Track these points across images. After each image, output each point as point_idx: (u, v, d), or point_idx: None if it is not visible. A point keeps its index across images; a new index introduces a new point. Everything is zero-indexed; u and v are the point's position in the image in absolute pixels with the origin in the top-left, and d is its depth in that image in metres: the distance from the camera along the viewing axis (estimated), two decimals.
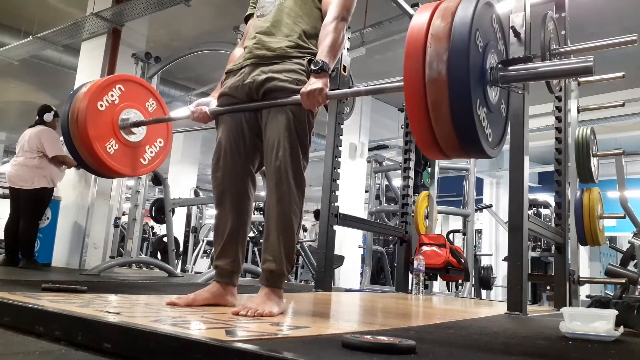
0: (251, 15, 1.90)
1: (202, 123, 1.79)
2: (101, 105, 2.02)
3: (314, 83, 1.54)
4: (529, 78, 1.30)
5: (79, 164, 2.17)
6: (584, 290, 6.28)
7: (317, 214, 2.97)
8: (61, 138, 5.08)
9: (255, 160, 1.75)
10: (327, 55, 1.58)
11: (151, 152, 2.22)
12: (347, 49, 3.20)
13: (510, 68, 1.25)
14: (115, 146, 2.06)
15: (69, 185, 4.96)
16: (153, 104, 2.20)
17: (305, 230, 8.39)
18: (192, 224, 8.20)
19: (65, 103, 2.12)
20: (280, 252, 1.57)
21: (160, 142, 2.25)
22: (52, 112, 4.28)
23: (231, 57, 1.89)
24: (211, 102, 1.76)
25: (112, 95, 2.05)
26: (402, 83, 1.22)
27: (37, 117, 4.30)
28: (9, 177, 4.17)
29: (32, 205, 4.05)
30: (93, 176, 5.23)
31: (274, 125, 1.62)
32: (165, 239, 6.33)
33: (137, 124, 2.10)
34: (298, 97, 1.57)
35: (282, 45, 1.69)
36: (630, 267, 3.76)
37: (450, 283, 5.46)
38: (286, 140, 1.59)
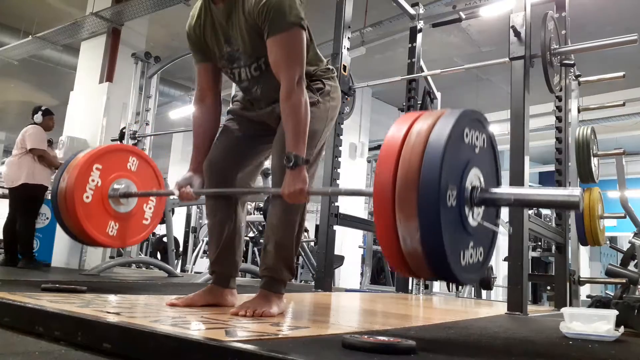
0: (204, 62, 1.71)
1: (192, 201, 1.77)
2: (87, 197, 1.96)
3: (293, 183, 1.44)
4: (508, 204, 1.18)
5: (72, 238, 2.11)
6: (585, 291, 6.29)
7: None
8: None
9: (252, 166, 1.74)
10: (296, 145, 1.45)
11: (150, 207, 2.17)
12: (347, 48, 3.20)
13: (493, 190, 1.14)
14: (115, 226, 2.03)
15: None
16: (134, 161, 2.12)
17: (305, 230, 8.39)
18: (192, 224, 8.20)
19: (54, 181, 2.07)
20: (278, 262, 1.57)
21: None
22: (40, 112, 4.25)
23: (197, 119, 1.73)
24: (193, 180, 1.68)
25: (92, 180, 1.98)
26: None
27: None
28: (3, 177, 4.22)
29: (21, 203, 4.03)
30: None
31: (279, 138, 1.59)
32: (165, 239, 6.32)
33: (126, 196, 2.04)
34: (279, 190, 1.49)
35: None
36: (631, 267, 3.76)
37: (451, 283, 5.45)
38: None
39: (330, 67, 1.75)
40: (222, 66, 1.68)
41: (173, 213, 6.04)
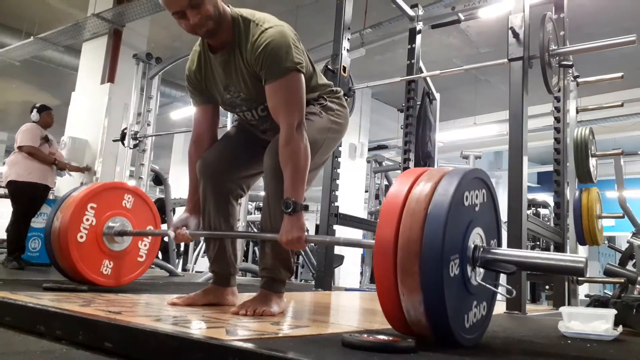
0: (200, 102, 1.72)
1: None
2: (81, 237, 1.92)
3: (291, 231, 1.43)
4: (511, 272, 1.14)
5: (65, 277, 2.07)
6: (583, 290, 6.29)
7: None
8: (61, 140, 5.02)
9: (251, 170, 1.73)
10: (295, 190, 1.44)
11: (145, 245, 2.13)
12: (347, 49, 3.21)
13: (493, 251, 1.13)
14: (110, 264, 2.00)
15: (69, 185, 4.97)
16: (129, 198, 2.08)
17: (306, 231, 8.38)
18: None
19: (47, 220, 2.04)
20: (275, 263, 1.58)
21: (150, 229, 2.15)
22: (35, 109, 4.14)
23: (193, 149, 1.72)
24: (189, 221, 1.68)
25: (87, 220, 1.94)
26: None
27: None
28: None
29: (13, 202, 3.95)
30: (94, 177, 5.24)
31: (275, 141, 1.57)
32: (165, 239, 6.33)
33: (121, 234, 2.01)
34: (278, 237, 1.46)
35: None
36: (629, 266, 3.77)
37: None
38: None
39: (337, 89, 1.74)
40: (226, 109, 1.69)
41: (174, 213, 6.06)
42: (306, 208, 1.48)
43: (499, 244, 1.25)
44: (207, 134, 1.72)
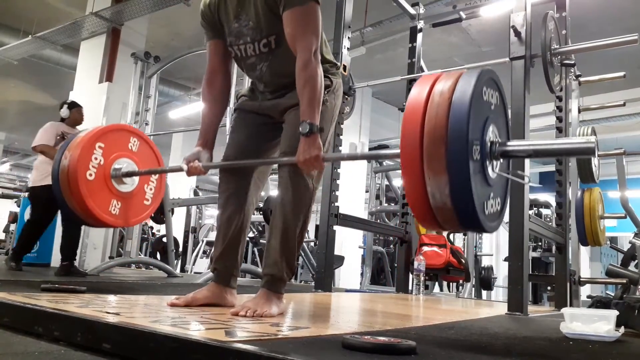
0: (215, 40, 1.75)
1: (201, 175, 1.78)
2: (90, 175, 1.95)
3: (308, 150, 1.47)
4: (528, 155, 1.28)
5: (74, 217, 2.07)
6: (585, 291, 6.29)
7: None
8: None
9: (260, 168, 1.76)
10: (311, 113, 1.49)
11: (150, 188, 2.16)
12: (348, 48, 3.20)
13: (509, 144, 1.24)
14: (118, 205, 2.02)
15: None
16: (135, 141, 2.12)
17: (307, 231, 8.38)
18: (192, 224, 8.19)
19: (53, 177, 2.03)
20: (281, 258, 1.57)
21: (160, 168, 2.20)
22: (66, 105, 3.94)
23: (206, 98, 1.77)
24: (201, 154, 1.70)
25: (95, 159, 1.98)
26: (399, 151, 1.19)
27: None
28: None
29: (30, 207, 3.89)
30: None
31: (286, 135, 1.63)
32: (164, 239, 6.32)
33: (129, 174, 2.04)
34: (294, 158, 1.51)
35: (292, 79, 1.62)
36: (631, 267, 3.76)
37: (451, 283, 5.45)
38: (293, 150, 1.56)
39: (335, 61, 1.78)
40: (230, 43, 1.70)
41: (173, 213, 6.05)
42: (321, 130, 1.53)
43: None
44: (220, 69, 1.75)
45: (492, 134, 1.21)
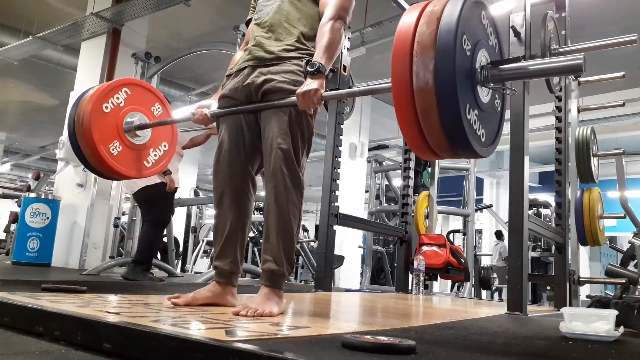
0: (252, 19, 1.89)
1: (204, 125, 1.81)
2: (106, 107, 2.01)
3: (310, 84, 1.53)
4: (518, 76, 1.31)
5: (83, 165, 2.14)
6: (584, 291, 6.29)
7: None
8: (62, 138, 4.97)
9: (255, 162, 1.76)
10: (324, 56, 1.57)
11: (155, 155, 2.21)
12: (347, 48, 3.20)
13: (500, 67, 1.24)
14: (119, 147, 2.05)
15: (69, 185, 4.96)
16: (159, 108, 2.19)
17: (305, 230, 8.39)
18: (192, 224, 8.20)
19: (72, 106, 2.12)
20: (280, 253, 1.58)
21: (164, 145, 2.23)
22: None
23: (232, 60, 1.89)
24: (212, 105, 1.77)
25: (117, 98, 2.05)
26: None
27: None
28: (126, 185, 3.76)
29: (156, 201, 3.51)
30: (93, 176, 5.23)
31: (271, 127, 1.63)
32: (165, 239, 6.33)
33: (141, 127, 2.10)
34: (294, 98, 1.56)
35: (281, 47, 1.69)
36: (631, 267, 3.76)
37: (451, 283, 5.44)
38: (283, 142, 1.59)
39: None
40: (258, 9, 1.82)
41: (173, 213, 6.05)
42: (328, 76, 1.57)
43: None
44: None
45: (483, 57, 1.23)
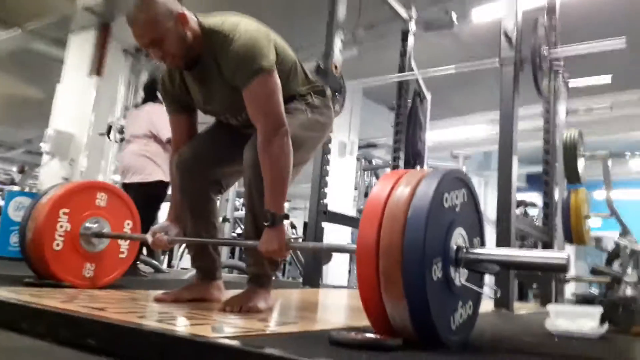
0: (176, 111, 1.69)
1: (164, 249, 1.73)
2: (57, 245, 1.81)
3: (271, 242, 1.40)
4: (495, 262, 1.10)
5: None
6: (569, 289, 6.36)
7: None
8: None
9: (225, 170, 1.70)
10: (275, 201, 1.41)
11: (126, 242, 2.04)
12: (340, 49, 3.19)
13: (473, 252, 1.10)
14: (92, 267, 1.90)
15: (54, 178, 4.89)
16: (102, 196, 1.96)
17: (294, 227, 8.38)
18: None
19: (22, 219, 1.93)
20: (261, 257, 1.53)
21: (128, 224, 2.04)
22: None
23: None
24: (169, 227, 1.65)
25: (61, 227, 1.82)
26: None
27: (144, 95, 3.46)
28: (119, 169, 3.50)
29: (145, 201, 3.12)
30: (79, 170, 5.17)
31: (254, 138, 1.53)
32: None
33: (98, 236, 1.91)
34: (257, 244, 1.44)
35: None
36: (615, 266, 3.82)
37: None
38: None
39: (324, 89, 1.72)
40: (207, 114, 1.67)
41: (159, 210, 5.99)
42: (286, 217, 1.44)
43: (482, 242, 1.23)
44: (187, 140, 1.68)
45: (458, 236, 1.10)
